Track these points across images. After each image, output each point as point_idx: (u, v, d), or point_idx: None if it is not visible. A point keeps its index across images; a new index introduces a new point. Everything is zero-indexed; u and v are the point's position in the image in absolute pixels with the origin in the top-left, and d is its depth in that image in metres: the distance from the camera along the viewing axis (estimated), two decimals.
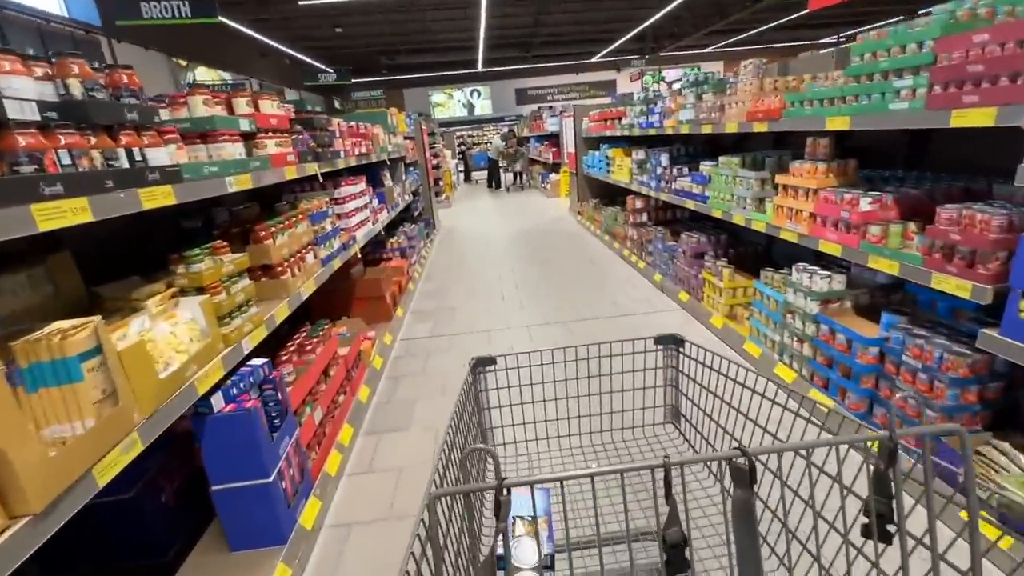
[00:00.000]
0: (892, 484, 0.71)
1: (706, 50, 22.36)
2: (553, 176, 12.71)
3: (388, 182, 5.54)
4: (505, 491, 0.68)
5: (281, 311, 2.25)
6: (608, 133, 6.64)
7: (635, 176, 5.59)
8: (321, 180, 2.95)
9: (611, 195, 8.27)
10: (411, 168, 7.22)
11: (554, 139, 12.70)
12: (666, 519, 0.68)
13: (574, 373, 1.38)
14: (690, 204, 4.16)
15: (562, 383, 1.40)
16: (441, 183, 12.52)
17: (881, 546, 0.74)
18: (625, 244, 6.00)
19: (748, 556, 0.70)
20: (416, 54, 19.36)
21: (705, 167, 3.90)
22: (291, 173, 2.52)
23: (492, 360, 1.41)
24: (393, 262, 5.28)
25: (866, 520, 0.74)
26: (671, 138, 5.72)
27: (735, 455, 0.69)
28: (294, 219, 2.62)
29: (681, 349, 1.43)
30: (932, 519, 0.72)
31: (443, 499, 0.77)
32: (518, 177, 14.85)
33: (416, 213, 7.28)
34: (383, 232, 5.52)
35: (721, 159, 3.63)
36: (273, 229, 2.37)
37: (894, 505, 0.72)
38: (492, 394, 1.45)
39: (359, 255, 4.31)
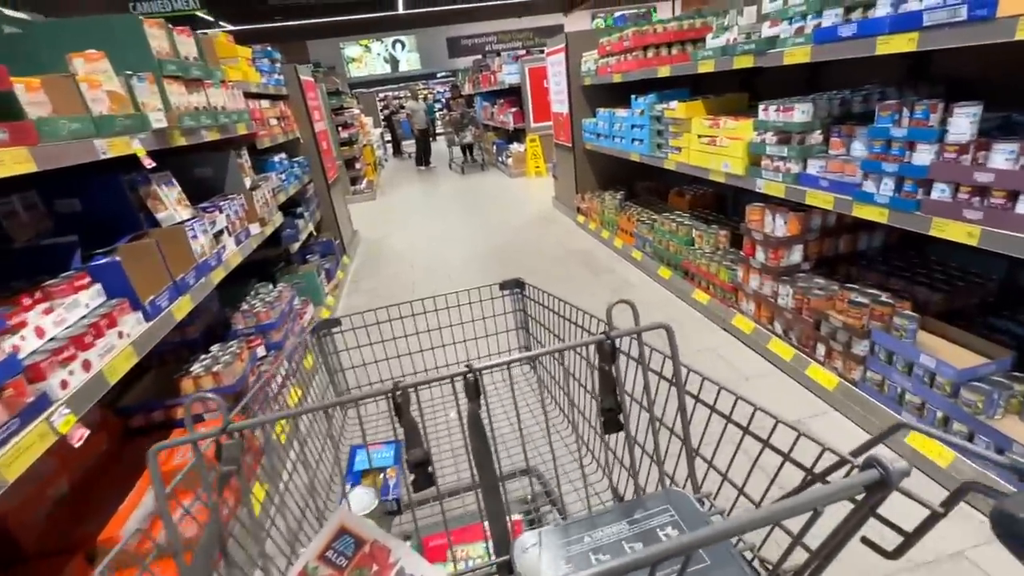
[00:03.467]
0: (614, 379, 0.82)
1: None
2: (515, 147, 9.37)
3: (171, 210, 2.08)
4: (237, 435, 0.70)
5: None
6: (662, 72, 3.43)
7: (776, 159, 2.46)
8: None
9: (629, 179, 5.19)
10: (280, 160, 3.71)
11: (513, 96, 9.29)
12: (406, 440, 0.73)
13: (425, 326, 1.38)
14: None
15: (414, 337, 1.39)
16: (359, 166, 8.86)
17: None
18: (735, 304, 2.93)
19: (482, 460, 0.74)
20: None
21: None
22: None
23: (336, 322, 1.37)
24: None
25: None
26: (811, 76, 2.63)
27: (464, 372, 0.74)
28: None
29: (525, 292, 1.43)
30: (650, 402, 0.82)
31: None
32: (468, 152, 11.21)
33: (298, 243, 3.81)
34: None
35: None
36: None
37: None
38: (344, 356, 1.44)
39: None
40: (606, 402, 0.81)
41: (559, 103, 5.50)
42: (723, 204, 4.23)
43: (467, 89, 12.61)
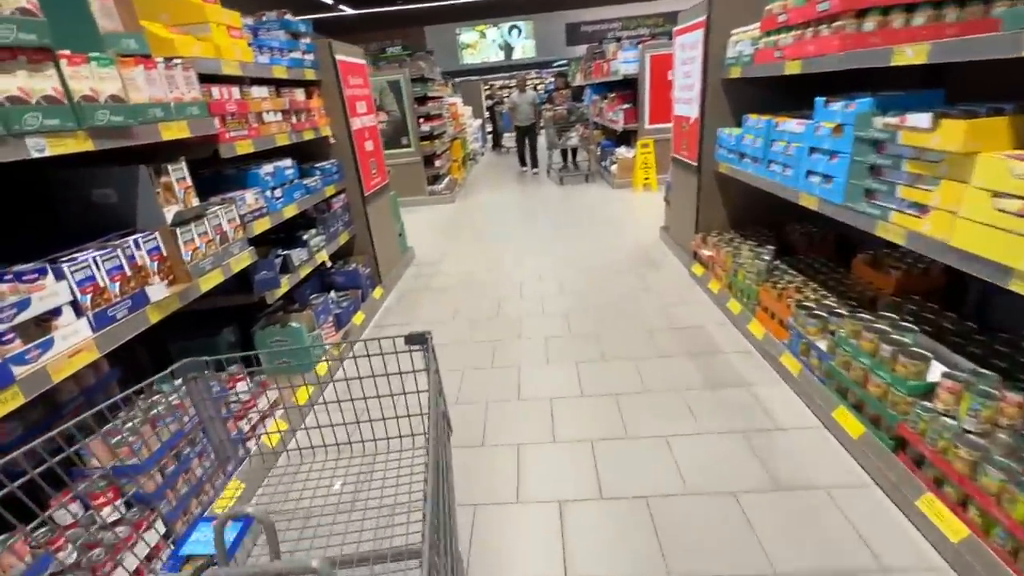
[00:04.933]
0: None
1: None
2: (622, 151, 7.80)
3: None
4: None
5: None
6: (898, 59, 1.80)
7: None
8: None
9: (777, 218, 3.53)
10: (272, 171, 2.67)
11: (628, 90, 7.70)
12: None
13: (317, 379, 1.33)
14: None
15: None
16: (441, 164, 7.90)
17: None
18: None
19: None
20: None
21: None
22: None
23: (219, 363, 1.30)
24: None
25: None
26: None
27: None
28: None
29: (434, 351, 1.30)
30: None
31: None
32: (571, 157, 9.71)
33: (279, 289, 2.78)
34: None
35: None
36: None
37: None
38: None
39: None
40: None
41: (685, 103, 3.92)
42: (961, 293, 2.46)
43: (579, 80, 11.15)
